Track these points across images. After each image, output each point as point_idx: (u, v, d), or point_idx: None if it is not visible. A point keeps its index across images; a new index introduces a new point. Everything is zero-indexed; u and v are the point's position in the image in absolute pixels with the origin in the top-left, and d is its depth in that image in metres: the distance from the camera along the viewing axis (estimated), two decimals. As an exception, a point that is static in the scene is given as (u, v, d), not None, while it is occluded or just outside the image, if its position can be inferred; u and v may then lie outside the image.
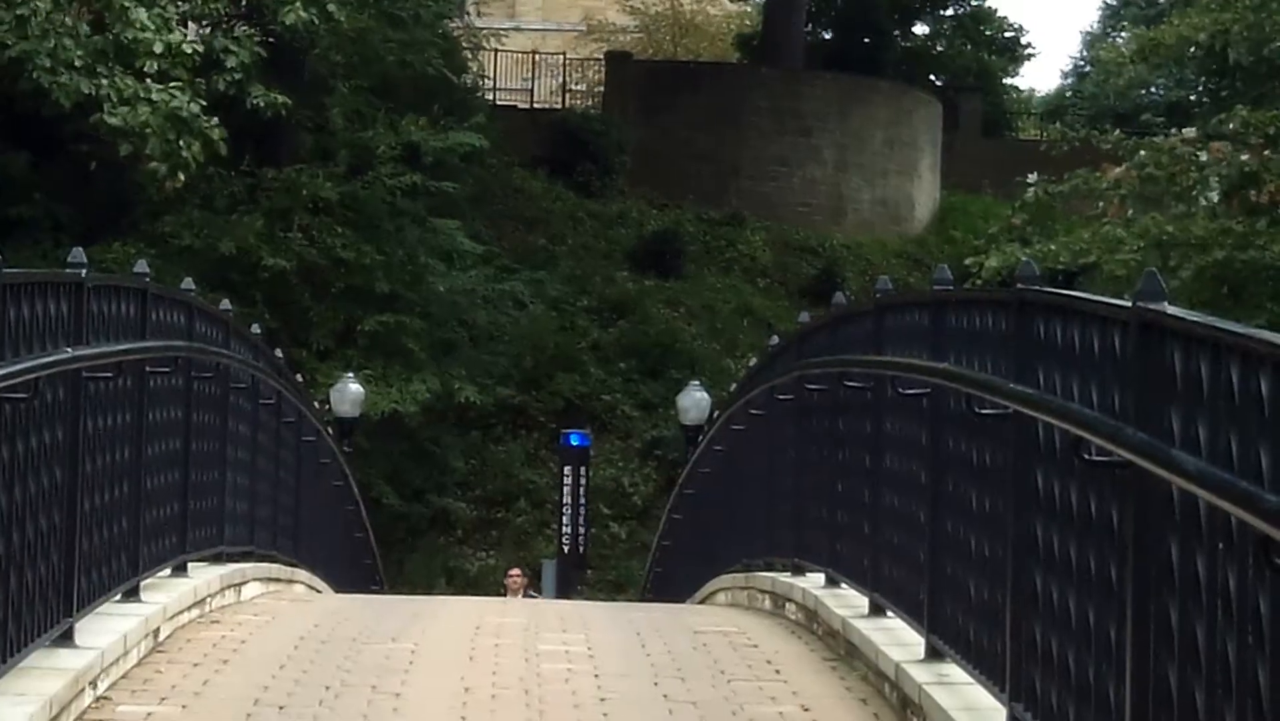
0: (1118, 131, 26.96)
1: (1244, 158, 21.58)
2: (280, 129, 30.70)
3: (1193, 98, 50.45)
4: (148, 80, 23.30)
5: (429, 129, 32.25)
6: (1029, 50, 57.05)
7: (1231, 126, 22.57)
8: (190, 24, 25.59)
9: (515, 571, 24.62)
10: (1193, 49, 29.90)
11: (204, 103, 23.83)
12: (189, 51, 23.65)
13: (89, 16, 23.25)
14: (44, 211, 28.71)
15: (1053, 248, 23.65)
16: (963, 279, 23.13)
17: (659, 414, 34.92)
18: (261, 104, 26.03)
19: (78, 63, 22.72)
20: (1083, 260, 23.67)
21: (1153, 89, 52.20)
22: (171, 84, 23.45)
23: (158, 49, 22.95)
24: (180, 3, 25.13)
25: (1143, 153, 22.98)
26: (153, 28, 22.96)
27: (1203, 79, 45.07)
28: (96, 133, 24.06)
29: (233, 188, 30.86)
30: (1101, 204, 24.01)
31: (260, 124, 28.68)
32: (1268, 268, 21.67)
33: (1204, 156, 21.77)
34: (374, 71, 32.90)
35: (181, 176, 24.15)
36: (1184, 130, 23.79)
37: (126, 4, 22.87)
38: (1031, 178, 24.80)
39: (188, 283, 11.61)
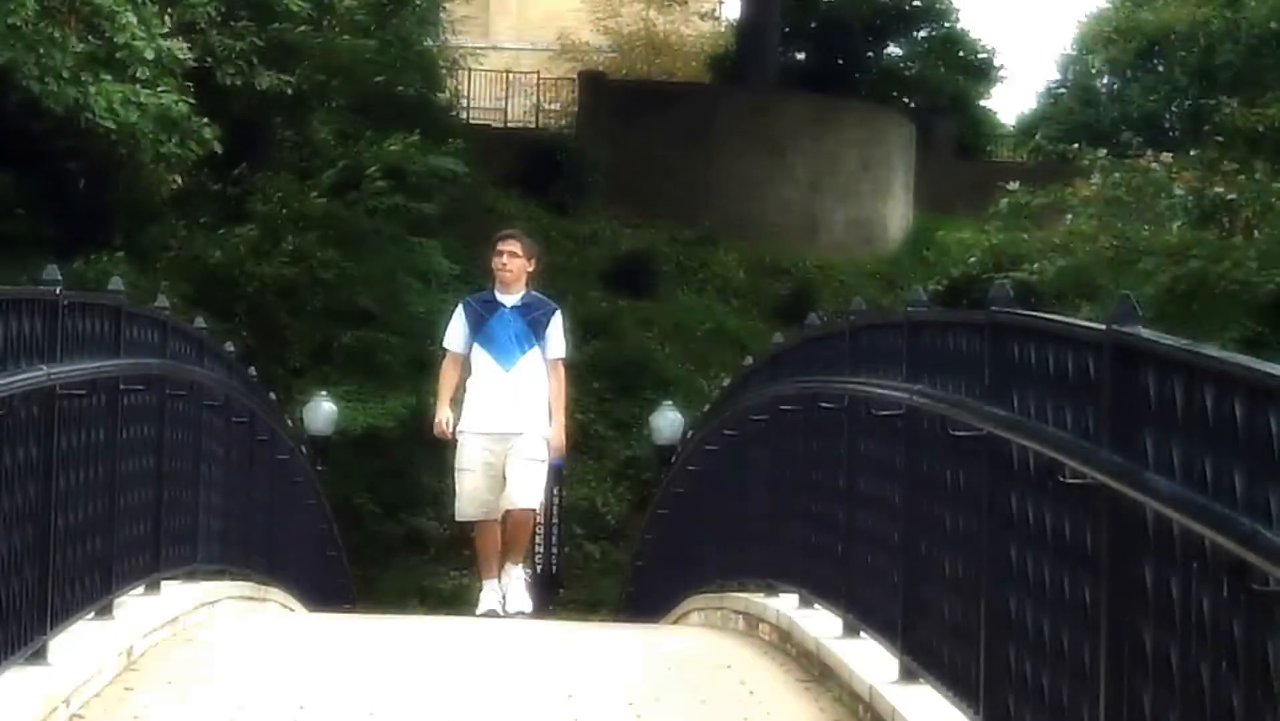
0: (1084, 145, 27.14)
1: (1218, 190, 21.68)
2: (262, 143, 30.69)
3: (1171, 111, 50.41)
4: (136, 85, 23.24)
5: (412, 149, 32.22)
6: (1002, 73, 57.15)
7: (1208, 148, 22.73)
8: (180, 37, 25.53)
9: (512, 245, 14.39)
10: (1172, 36, 30.08)
11: (192, 102, 23.78)
12: (181, 58, 23.62)
13: (79, 26, 23.19)
14: (28, 227, 28.65)
15: (1017, 236, 23.94)
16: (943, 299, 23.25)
17: (632, 433, 34.88)
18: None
19: (65, 73, 22.65)
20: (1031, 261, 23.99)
21: (1131, 104, 52.14)
22: (160, 89, 23.40)
23: (149, 55, 22.90)
24: (168, 12, 25.08)
25: (1117, 174, 23.11)
26: (144, 36, 22.91)
27: (1184, 83, 44.95)
28: (88, 137, 23.97)
29: (218, 201, 30.82)
30: (1070, 217, 24.20)
31: (242, 136, 28.65)
32: (1241, 281, 21.75)
33: (1178, 189, 21.89)
34: (355, 90, 32.90)
35: (178, 178, 24.15)
36: (1162, 155, 23.96)
37: (116, 8, 22.79)
38: (1012, 185, 25.02)
39: (162, 300, 11.61)
